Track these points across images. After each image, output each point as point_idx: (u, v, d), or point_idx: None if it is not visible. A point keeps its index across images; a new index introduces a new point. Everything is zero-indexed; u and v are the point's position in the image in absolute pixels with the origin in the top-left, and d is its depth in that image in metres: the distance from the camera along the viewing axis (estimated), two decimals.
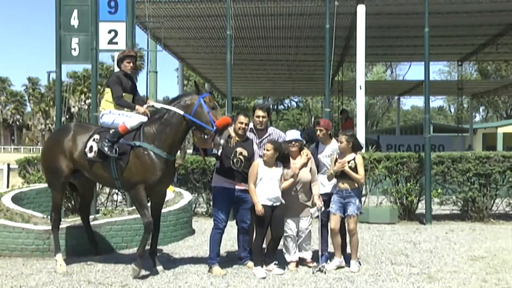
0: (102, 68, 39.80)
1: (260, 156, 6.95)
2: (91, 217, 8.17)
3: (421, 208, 11.30)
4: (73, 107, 70.66)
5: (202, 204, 11.64)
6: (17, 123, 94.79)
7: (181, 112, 6.65)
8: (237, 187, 6.83)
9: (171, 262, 7.27)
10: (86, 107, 68.02)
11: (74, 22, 9.97)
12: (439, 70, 58.82)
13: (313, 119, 56.36)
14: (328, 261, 7.17)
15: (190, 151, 14.71)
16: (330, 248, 7.35)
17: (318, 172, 7.24)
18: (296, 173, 6.94)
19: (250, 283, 6.29)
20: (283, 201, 6.81)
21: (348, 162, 6.93)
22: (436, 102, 65.60)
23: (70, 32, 9.97)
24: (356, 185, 6.98)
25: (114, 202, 11.73)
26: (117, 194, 11.92)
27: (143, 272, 6.56)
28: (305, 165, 7.04)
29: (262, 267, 6.68)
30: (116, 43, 10.04)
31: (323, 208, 7.01)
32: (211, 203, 6.95)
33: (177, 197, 9.43)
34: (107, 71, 41.66)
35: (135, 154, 6.62)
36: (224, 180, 6.85)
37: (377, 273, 6.78)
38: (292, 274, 6.76)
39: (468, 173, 11.01)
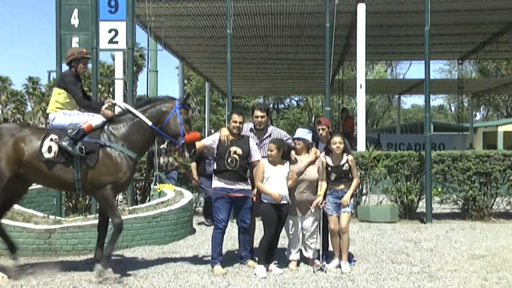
0: (102, 67, 39.76)
1: (264, 157, 6.95)
2: (92, 216, 8.16)
3: (421, 207, 11.30)
4: None
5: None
6: (18, 122, 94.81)
7: (149, 123, 6.60)
8: (235, 187, 6.82)
9: (171, 261, 7.27)
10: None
11: (75, 21, 9.99)
12: (440, 69, 58.65)
13: (313, 118, 56.33)
14: (328, 260, 7.17)
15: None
16: (331, 247, 7.35)
17: None
18: (301, 171, 6.94)
19: (250, 282, 6.29)
20: (289, 200, 6.81)
21: (342, 165, 6.95)
22: (437, 101, 65.47)
23: (71, 32, 9.99)
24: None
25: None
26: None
27: (108, 273, 6.34)
28: (312, 163, 7.03)
29: (264, 266, 6.68)
30: (117, 42, 10.07)
31: (322, 207, 6.99)
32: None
33: (177, 196, 9.43)
34: (107, 70, 41.57)
35: (105, 153, 6.43)
36: (221, 181, 6.85)
37: (378, 272, 6.77)
38: (292, 273, 6.76)
39: (469, 172, 11.02)
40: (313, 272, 6.73)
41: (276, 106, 61.30)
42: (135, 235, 8.15)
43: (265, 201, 6.74)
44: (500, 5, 15.50)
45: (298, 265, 7.05)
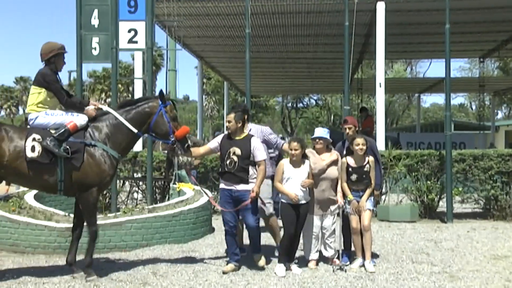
0: (121, 67, 40.06)
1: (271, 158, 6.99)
2: (112, 215, 8.20)
3: (442, 206, 11.19)
4: None
5: None
6: None
7: (135, 131, 6.58)
8: (234, 188, 6.76)
9: (191, 260, 7.30)
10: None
11: (95, 21, 10.08)
12: (460, 67, 58.02)
13: (332, 117, 56.12)
14: (350, 260, 7.13)
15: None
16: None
17: None
18: (324, 169, 6.93)
19: (270, 281, 6.28)
20: (308, 199, 6.79)
21: (364, 166, 6.95)
22: (457, 99, 64.92)
23: (91, 32, 10.08)
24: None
25: (135, 200, 11.82)
26: (137, 192, 12.02)
27: (94, 278, 6.26)
28: (334, 163, 7.02)
29: (285, 265, 6.67)
30: (136, 42, 10.14)
31: (342, 205, 6.97)
32: None
33: (196, 195, 9.47)
34: (126, 70, 41.89)
35: (90, 153, 6.31)
36: (222, 183, 6.91)
37: (398, 271, 6.73)
38: (312, 272, 6.74)
39: (490, 171, 10.89)
40: (333, 271, 6.70)
41: (295, 105, 61.22)
42: (155, 233, 8.19)
43: (283, 201, 6.75)
44: None
45: (317, 264, 7.03)
